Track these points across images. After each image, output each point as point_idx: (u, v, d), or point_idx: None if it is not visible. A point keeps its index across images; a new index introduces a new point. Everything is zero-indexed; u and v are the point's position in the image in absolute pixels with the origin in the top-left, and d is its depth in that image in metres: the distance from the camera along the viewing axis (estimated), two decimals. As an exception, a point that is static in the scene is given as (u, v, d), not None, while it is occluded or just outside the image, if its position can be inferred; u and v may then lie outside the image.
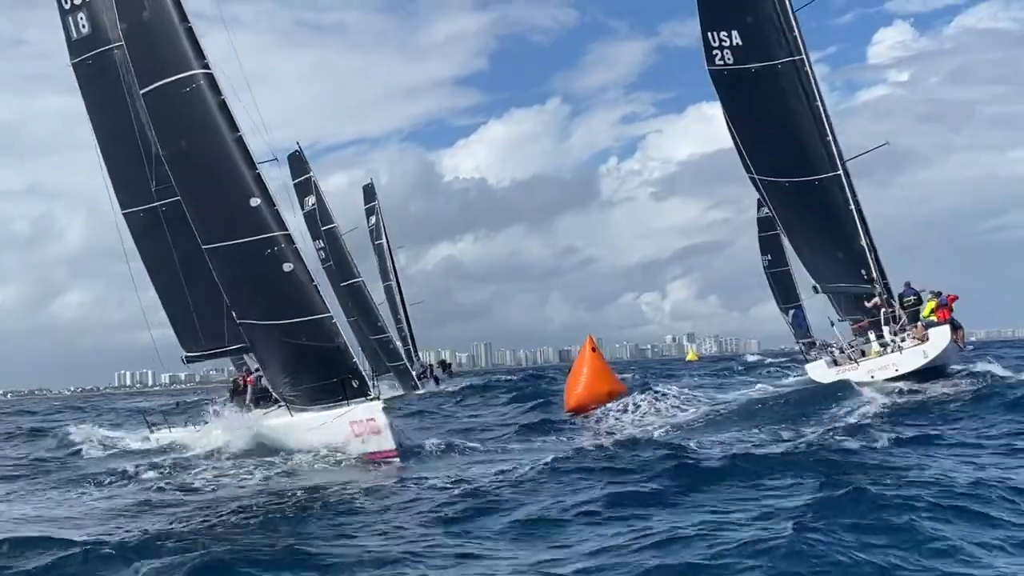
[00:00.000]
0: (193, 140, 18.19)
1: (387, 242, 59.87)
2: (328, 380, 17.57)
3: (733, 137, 26.51)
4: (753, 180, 26.55)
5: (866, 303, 25.06)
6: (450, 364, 66.82)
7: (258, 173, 18.06)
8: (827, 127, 26.10)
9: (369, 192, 61.98)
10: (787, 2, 26.08)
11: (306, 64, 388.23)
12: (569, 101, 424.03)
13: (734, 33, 25.83)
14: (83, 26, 21.62)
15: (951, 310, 23.01)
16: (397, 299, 57.76)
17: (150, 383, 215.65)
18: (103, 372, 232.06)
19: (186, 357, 22.34)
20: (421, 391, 49.31)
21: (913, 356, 22.30)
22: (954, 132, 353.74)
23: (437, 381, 53.42)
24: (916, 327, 22.67)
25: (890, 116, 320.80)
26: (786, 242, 30.48)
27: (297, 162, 53.07)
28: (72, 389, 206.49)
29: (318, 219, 51.93)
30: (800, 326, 75.50)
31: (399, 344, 52.41)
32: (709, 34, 25.93)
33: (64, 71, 21.75)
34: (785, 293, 72.91)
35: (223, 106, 18.13)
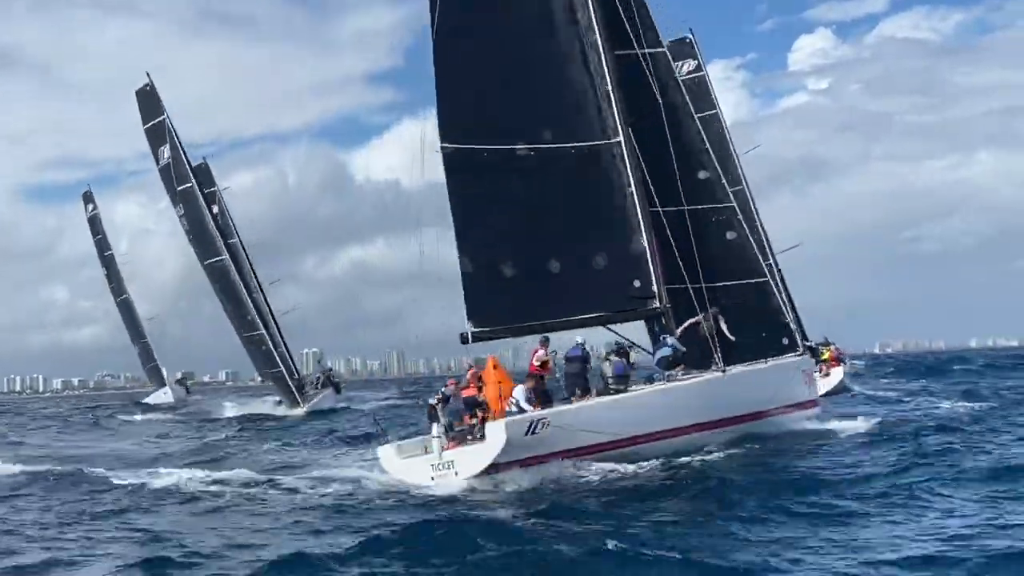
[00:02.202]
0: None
1: (220, 196, 42.09)
2: (761, 336, 20.28)
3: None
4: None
5: None
6: (336, 378, 46.94)
7: (707, 148, 21.09)
8: (766, 242, 39.91)
9: (148, 101, 39.12)
10: (733, 152, 39.84)
11: (210, 56, 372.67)
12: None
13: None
14: None
15: (837, 358, 37.94)
16: (244, 280, 42.30)
17: (41, 389, 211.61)
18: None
19: (472, 334, 19.26)
20: (301, 410, 39.94)
21: (827, 383, 36.83)
22: (872, 141, 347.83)
23: (338, 389, 43.75)
24: (822, 367, 37.45)
25: (810, 124, 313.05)
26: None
27: (147, 99, 39.07)
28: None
29: (172, 175, 38.63)
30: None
31: (274, 347, 41.34)
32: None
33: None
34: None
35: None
